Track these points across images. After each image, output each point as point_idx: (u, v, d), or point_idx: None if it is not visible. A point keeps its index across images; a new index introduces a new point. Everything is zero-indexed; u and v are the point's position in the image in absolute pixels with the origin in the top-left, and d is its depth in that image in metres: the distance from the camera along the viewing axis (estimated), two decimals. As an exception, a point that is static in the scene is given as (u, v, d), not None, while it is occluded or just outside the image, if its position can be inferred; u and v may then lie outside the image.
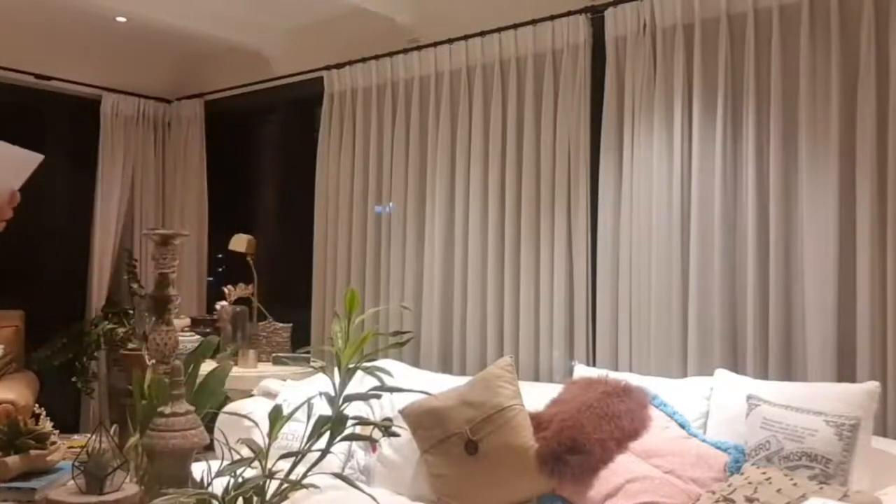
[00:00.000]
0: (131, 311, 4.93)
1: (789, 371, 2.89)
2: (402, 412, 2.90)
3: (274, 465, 1.28)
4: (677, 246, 3.14)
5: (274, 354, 4.11)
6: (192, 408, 1.79)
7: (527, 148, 3.61)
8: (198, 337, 3.69)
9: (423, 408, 2.86)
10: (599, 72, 3.42)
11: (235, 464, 1.29)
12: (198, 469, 1.83)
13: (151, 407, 1.89)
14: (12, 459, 2.21)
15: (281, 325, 4.29)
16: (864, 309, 2.72)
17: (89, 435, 1.89)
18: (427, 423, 2.84)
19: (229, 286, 4.29)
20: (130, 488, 1.80)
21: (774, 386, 2.62)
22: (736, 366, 2.96)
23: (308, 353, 4.00)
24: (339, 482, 1.44)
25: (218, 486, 1.38)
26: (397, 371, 3.02)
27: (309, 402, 1.44)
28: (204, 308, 5.12)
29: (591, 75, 3.45)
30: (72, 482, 1.83)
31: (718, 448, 2.53)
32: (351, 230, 4.28)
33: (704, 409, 2.73)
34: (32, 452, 2.26)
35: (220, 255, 5.25)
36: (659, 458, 2.53)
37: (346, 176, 4.31)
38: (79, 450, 2.01)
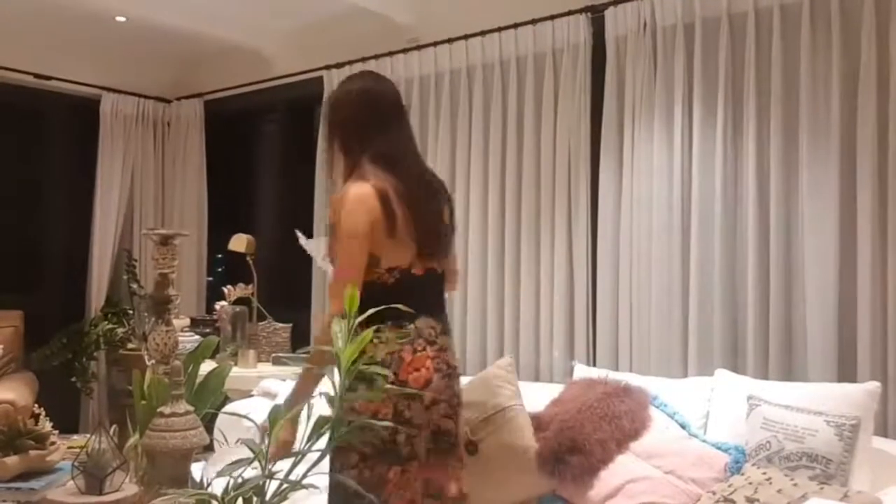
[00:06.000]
0: (131, 311, 4.92)
1: (790, 371, 2.88)
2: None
3: (273, 465, 1.28)
4: (677, 246, 3.14)
5: (273, 354, 4.10)
6: (191, 408, 1.79)
7: (527, 147, 3.60)
8: (197, 337, 3.68)
9: (423, 408, 2.84)
10: (600, 71, 3.42)
11: (235, 464, 1.29)
12: (197, 469, 1.83)
13: (151, 407, 1.89)
14: (11, 460, 2.21)
15: (280, 325, 4.28)
16: (865, 309, 2.72)
17: (89, 435, 1.89)
18: (427, 423, 2.83)
19: (229, 286, 4.28)
20: (130, 489, 1.80)
21: (775, 386, 2.62)
22: (736, 366, 2.96)
23: (308, 353, 3.99)
24: (339, 483, 1.43)
25: (217, 486, 1.38)
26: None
27: (309, 403, 1.43)
28: (203, 308, 5.12)
29: (591, 75, 3.44)
30: (71, 483, 1.83)
31: (719, 448, 2.53)
32: (351, 230, 4.26)
33: (705, 409, 2.72)
34: (32, 453, 2.25)
35: (219, 255, 5.24)
36: (659, 459, 2.53)
37: (346, 176, 4.29)
38: (78, 450, 2.01)
